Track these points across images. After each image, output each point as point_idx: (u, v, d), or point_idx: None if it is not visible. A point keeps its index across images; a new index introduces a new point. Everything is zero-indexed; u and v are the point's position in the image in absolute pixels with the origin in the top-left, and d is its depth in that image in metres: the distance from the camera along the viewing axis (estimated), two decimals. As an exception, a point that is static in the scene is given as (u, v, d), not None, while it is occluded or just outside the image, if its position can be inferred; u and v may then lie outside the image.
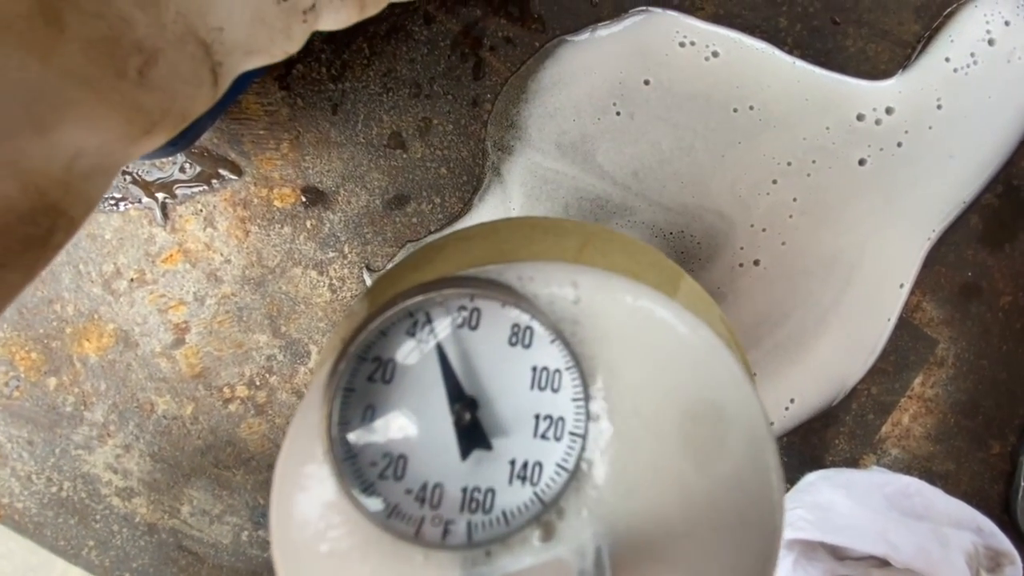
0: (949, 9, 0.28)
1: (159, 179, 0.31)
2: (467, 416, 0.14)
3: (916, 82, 0.28)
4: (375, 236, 0.31)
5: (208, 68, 0.18)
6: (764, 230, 0.29)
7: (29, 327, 0.32)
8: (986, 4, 0.27)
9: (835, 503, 0.29)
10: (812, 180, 0.29)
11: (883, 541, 0.28)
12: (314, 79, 0.30)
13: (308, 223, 0.31)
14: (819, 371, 0.30)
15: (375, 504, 0.14)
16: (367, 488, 0.14)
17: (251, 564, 0.33)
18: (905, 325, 0.30)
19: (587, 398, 0.14)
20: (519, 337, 0.15)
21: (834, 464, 0.31)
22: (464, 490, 0.14)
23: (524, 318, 0.14)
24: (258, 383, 0.32)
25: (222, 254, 0.31)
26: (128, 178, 0.31)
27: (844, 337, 0.29)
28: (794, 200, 0.29)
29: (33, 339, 0.32)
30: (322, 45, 0.30)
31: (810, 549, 0.29)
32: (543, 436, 0.14)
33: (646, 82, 0.29)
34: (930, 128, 0.28)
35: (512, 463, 0.15)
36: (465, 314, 0.15)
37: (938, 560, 0.28)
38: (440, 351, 0.15)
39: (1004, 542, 0.29)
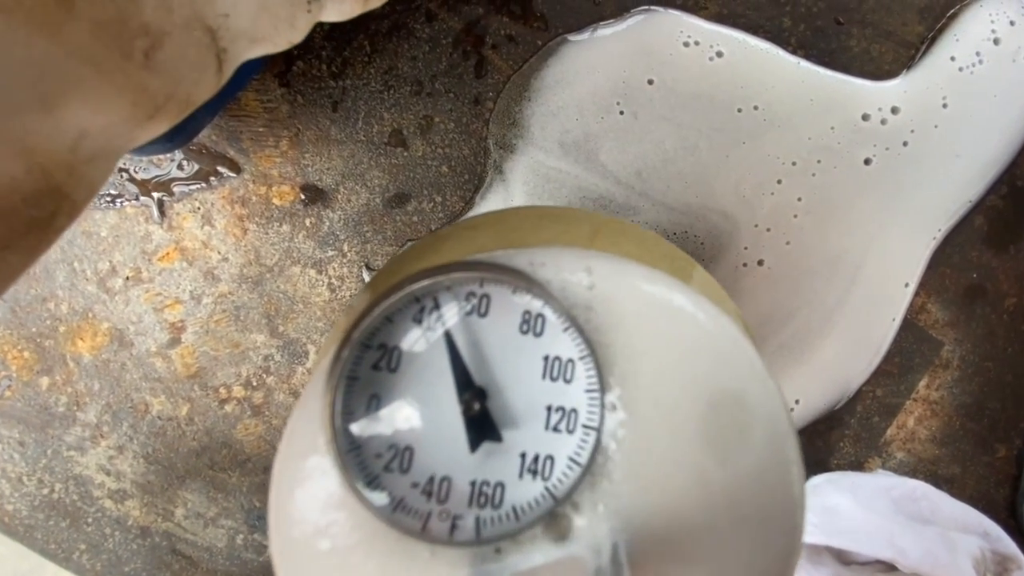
0: (952, 10, 0.28)
1: (156, 176, 0.30)
2: (476, 406, 0.14)
3: (921, 81, 0.28)
4: (375, 235, 0.30)
5: (213, 54, 0.18)
6: (768, 230, 0.29)
7: (22, 325, 0.31)
8: (991, 4, 0.27)
9: (841, 507, 0.29)
10: (817, 180, 0.28)
11: (889, 545, 0.28)
12: (314, 76, 0.30)
13: (307, 221, 0.30)
14: (824, 372, 0.29)
15: (380, 498, 0.14)
16: (371, 481, 0.14)
17: (246, 568, 0.33)
18: (910, 327, 0.30)
19: (603, 387, 0.14)
20: (530, 325, 0.14)
21: (839, 467, 0.31)
22: (473, 484, 0.14)
23: (536, 305, 0.14)
24: (255, 383, 0.31)
25: (219, 252, 0.31)
26: (125, 175, 0.30)
27: (849, 337, 0.29)
28: (799, 200, 0.29)
29: (26, 338, 0.31)
30: (323, 42, 0.29)
31: (815, 553, 0.29)
32: (555, 429, 0.14)
33: (650, 81, 0.29)
34: (936, 127, 0.28)
35: (523, 456, 0.14)
36: (474, 301, 0.14)
37: (945, 564, 0.27)
38: (449, 338, 0.14)
39: (1011, 546, 0.29)
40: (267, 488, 0.32)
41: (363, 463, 0.14)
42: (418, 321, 0.14)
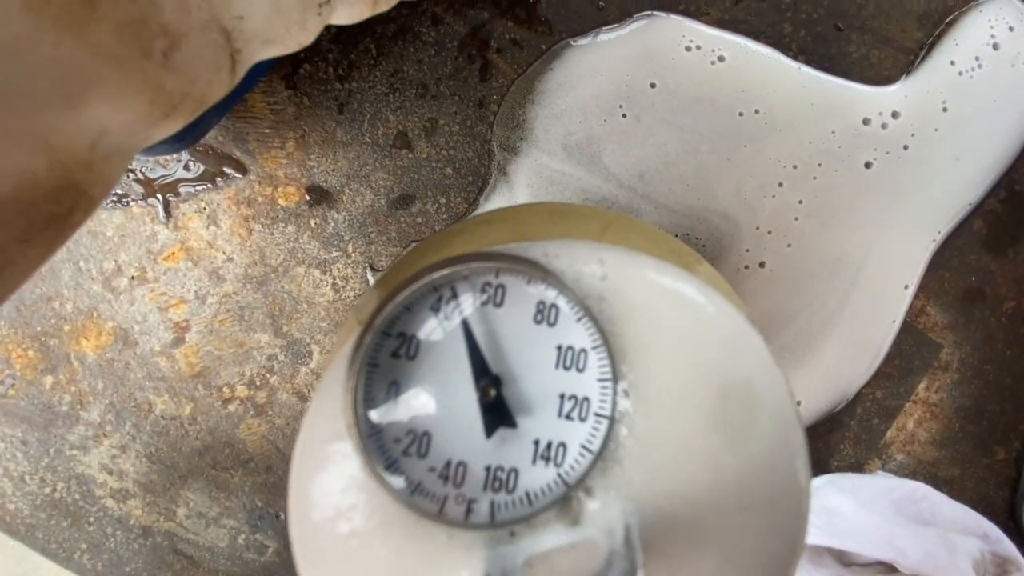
0: (951, 17, 0.29)
1: (163, 177, 0.31)
2: (493, 393, 0.14)
3: (922, 85, 0.28)
4: (379, 236, 0.31)
5: (228, 55, 0.18)
6: (770, 232, 0.29)
7: (27, 324, 0.31)
8: (991, 9, 0.28)
9: (841, 508, 0.29)
10: (818, 183, 0.29)
11: (890, 547, 0.28)
12: (321, 78, 0.30)
13: (312, 222, 0.31)
14: (825, 373, 0.30)
15: (398, 482, 0.14)
16: (390, 465, 0.14)
17: (247, 568, 0.33)
18: (909, 329, 0.30)
19: (615, 375, 0.14)
20: (544, 315, 0.14)
21: (839, 469, 0.31)
22: (487, 469, 0.14)
23: (549, 295, 0.14)
24: (258, 383, 0.31)
25: (225, 252, 0.31)
26: (132, 176, 0.30)
27: (849, 339, 0.29)
28: (800, 203, 0.29)
29: (30, 336, 0.31)
30: (329, 45, 0.30)
31: (816, 555, 0.29)
32: (567, 416, 0.14)
33: (652, 85, 0.29)
34: (936, 130, 0.28)
35: (536, 443, 0.14)
36: (490, 291, 0.15)
37: (945, 566, 0.28)
38: (466, 327, 0.14)
39: (1010, 548, 0.29)
40: (269, 488, 0.32)
41: (383, 448, 0.14)
42: (436, 310, 0.15)
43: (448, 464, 0.14)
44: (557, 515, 0.14)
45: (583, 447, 0.14)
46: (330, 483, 0.14)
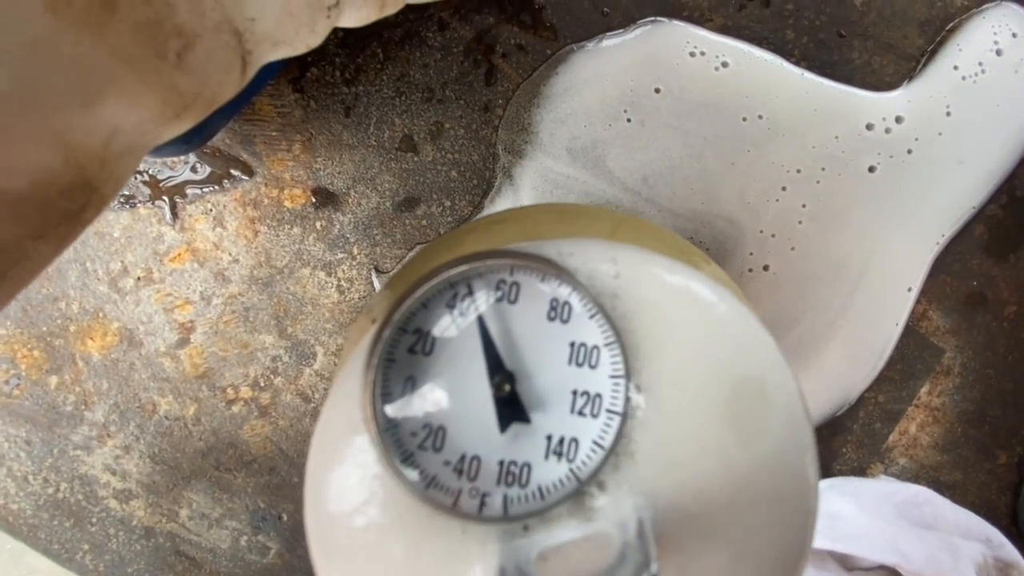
0: (951, 24, 0.29)
1: (170, 178, 0.31)
2: (507, 388, 0.14)
3: (925, 90, 0.29)
4: (384, 238, 0.31)
5: (239, 56, 0.18)
6: (773, 236, 0.29)
7: (33, 324, 0.31)
8: (994, 16, 0.28)
9: (844, 512, 0.29)
10: (821, 187, 0.29)
11: (893, 551, 0.28)
12: (328, 82, 0.30)
13: (318, 224, 0.31)
14: (828, 377, 0.30)
15: (413, 475, 0.14)
16: (406, 459, 0.15)
17: (249, 570, 0.33)
18: (911, 334, 0.30)
19: (628, 372, 0.14)
20: (557, 312, 0.15)
21: (842, 473, 0.31)
22: (501, 463, 0.14)
23: (563, 292, 0.15)
24: (262, 384, 0.32)
25: (230, 254, 0.31)
26: (139, 177, 0.31)
27: (853, 342, 0.30)
28: (803, 206, 0.29)
29: (36, 337, 0.31)
30: (337, 49, 0.30)
31: (819, 559, 0.29)
32: (580, 412, 0.15)
33: (657, 90, 0.29)
34: (940, 134, 0.29)
35: (548, 438, 0.15)
36: (504, 288, 0.15)
37: (949, 570, 0.28)
38: (481, 323, 0.15)
39: (1013, 553, 0.29)
40: (272, 490, 0.32)
41: (399, 441, 0.15)
42: (451, 307, 0.15)
43: (463, 458, 0.15)
44: (570, 510, 0.14)
45: (595, 443, 0.14)
46: (346, 476, 0.14)
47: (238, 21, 0.18)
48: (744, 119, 0.29)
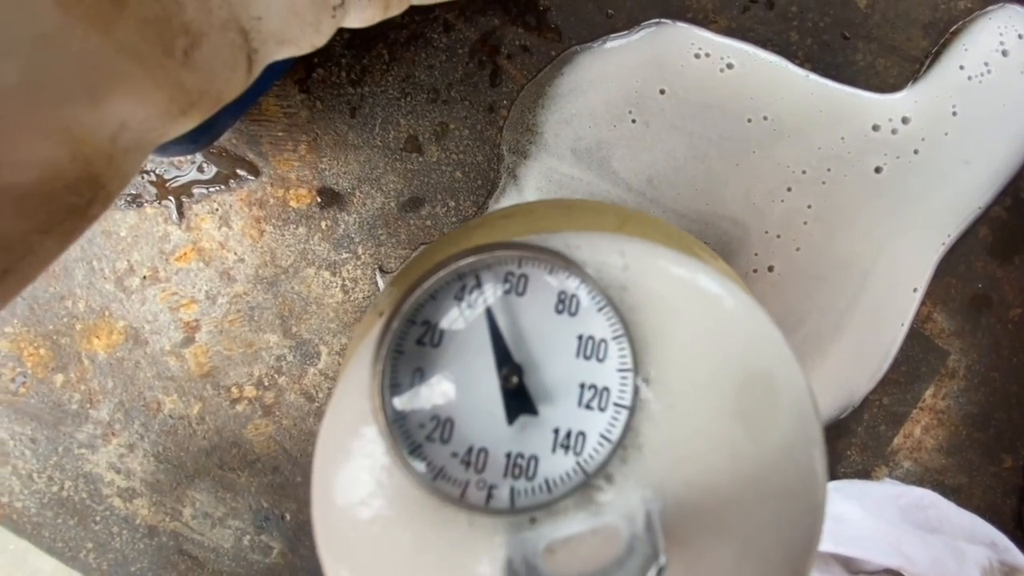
0: (955, 26, 0.29)
1: (176, 178, 0.31)
2: (515, 380, 0.14)
3: (931, 90, 0.29)
4: (389, 238, 0.31)
5: (245, 54, 0.18)
6: (779, 236, 0.29)
7: (39, 323, 0.31)
8: (999, 17, 0.28)
9: (848, 514, 0.29)
10: (827, 187, 0.29)
11: (898, 553, 0.28)
12: (334, 83, 0.30)
13: (323, 224, 0.31)
14: (833, 378, 0.30)
15: (421, 466, 0.14)
16: (414, 450, 0.15)
17: (251, 570, 0.32)
18: (916, 336, 0.30)
19: (636, 364, 0.14)
20: (565, 305, 0.15)
21: (846, 476, 0.31)
22: (508, 455, 0.14)
23: (571, 285, 0.15)
24: (267, 383, 0.32)
25: (236, 253, 0.31)
26: (146, 177, 0.31)
27: (858, 343, 0.30)
28: (809, 207, 0.29)
29: (42, 335, 0.32)
30: (343, 50, 0.30)
31: (823, 562, 0.29)
32: (587, 406, 0.15)
33: (662, 91, 0.29)
34: (946, 135, 0.29)
35: (556, 431, 0.15)
36: (512, 280, 0.15)
37: (953, 574, 0.27)
38: (490, 315, 0.15)
39: (1018, 557, 0.29)
40: (275, 489, 0.32)
41: (407, 433, 0.15)
42: (459, 299, 0.15)
43: (470, 450, 0.15)
44: (577, 502, 0.14)
45: (602, 436, 0.14)
46: (354, 468, 0.14)
47: (244, 20, 0.18)
48: (749, 120, 0.29)
